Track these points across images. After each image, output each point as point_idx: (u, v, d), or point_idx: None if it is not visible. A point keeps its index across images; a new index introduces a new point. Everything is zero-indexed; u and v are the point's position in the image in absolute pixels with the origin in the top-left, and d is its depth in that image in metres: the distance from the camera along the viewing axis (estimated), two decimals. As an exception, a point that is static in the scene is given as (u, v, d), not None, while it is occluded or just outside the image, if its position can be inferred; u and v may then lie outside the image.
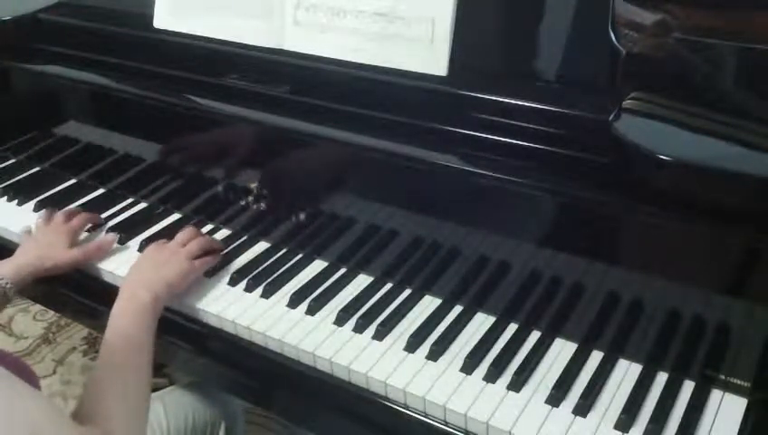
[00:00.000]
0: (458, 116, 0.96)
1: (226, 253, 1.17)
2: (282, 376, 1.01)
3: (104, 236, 1.21)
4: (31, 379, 0.92)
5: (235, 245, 1.20)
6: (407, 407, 0.92)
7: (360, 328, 1.01)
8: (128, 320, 0.97)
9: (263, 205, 1.17)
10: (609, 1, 0.90)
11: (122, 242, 1.22)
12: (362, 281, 1.11)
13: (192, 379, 1.26)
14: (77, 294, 1.19)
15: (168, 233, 1.21)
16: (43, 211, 1.27)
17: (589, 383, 0.91)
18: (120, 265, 1.15)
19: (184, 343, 1.09)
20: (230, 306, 1.06)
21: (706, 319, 0.87)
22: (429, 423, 0.91)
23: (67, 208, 1.27)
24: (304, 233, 1.15)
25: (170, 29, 1.19)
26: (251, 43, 1.12)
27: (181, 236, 1.13)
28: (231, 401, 1.25)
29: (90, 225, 1.26)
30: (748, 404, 0.88)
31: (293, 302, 1.06)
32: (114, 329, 0.96)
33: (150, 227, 1.25)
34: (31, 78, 1.36)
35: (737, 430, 0.85)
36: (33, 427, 0.69)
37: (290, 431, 1.60)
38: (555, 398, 0.90)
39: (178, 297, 1.07)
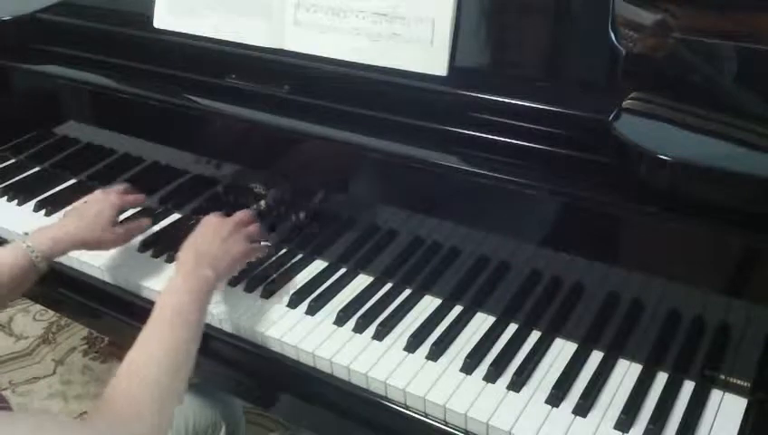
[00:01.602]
0: (458, 116, 0.96)
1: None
2: (281, 376, 1.01)
3: (143, 219, 1.20)
4: None
5: (235, 245, 1.19)
6: (407, 407, 0.92)
7: (359, 328, 1.01)
8: (184, 295, 0.92)
9: (262, 205, 1.17)
10: (609, 1, 0.90)
11: (122, 242, 1.21)
12: (362, 281, 1.11)
13: (193, 380, 1.26)
14: (77, 294, 1.19)
15: (168, 233, 1.21)
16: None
17: (589, 383, 0.91)
18: (120, 266, 1.15)
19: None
20: (230, 307, 1.06)
21: (706, 319, 0.87)
22: (429, 423, 0.91)
23: (120, 186, 1.23)
24: (304, 233, 1.15)
25: (170, 29, 1.19)
26: (251, 43, 1.12)
27: (241, 215, 1.09)
28: (232, 402, 1.24)
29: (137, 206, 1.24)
30: (748, 404, 0.88)
31: (293, 302, 1.06)
32: (166, 301, 0.92)
33: (150, 226, 1.25)
34: (31, 78, 1.36)
35: (737, 430, 0.85)
36: None
37: (290, 431, 1.60)
38: (555, 398, 0.90)
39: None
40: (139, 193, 1.24)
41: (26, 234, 1.07)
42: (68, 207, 1.19)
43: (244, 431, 1.29)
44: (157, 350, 0.86)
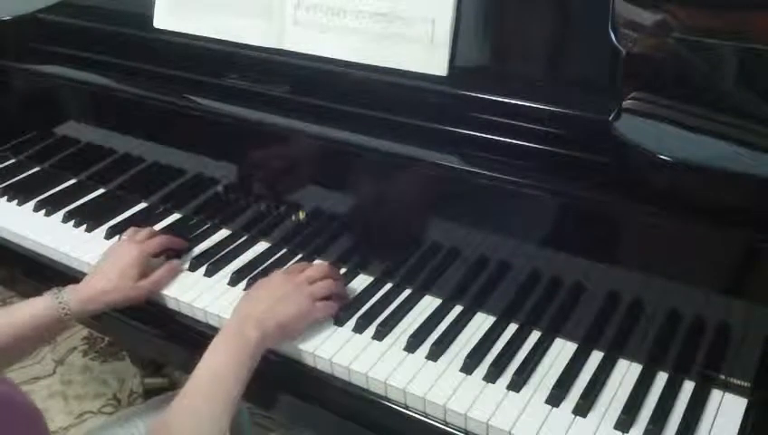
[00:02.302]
0: (458, 116, 0.96)
1: (227, 252, 1.17)
2: (281, 376, 1.01)
3: (171, 263, 1.13)
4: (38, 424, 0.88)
5: (234, 245, 1.20)
6: (407, 407, 0.92)
7: (359, 328, 1.01)
8: (222, 358, 0.90)
9: (262, 206, 1.17)
10: (609, 1, 0.90)
11: (122, 242, 1.21)
12: (362, 281, 1.11)
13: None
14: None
15: (167, 232, 1.21)
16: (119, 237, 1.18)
17: (589, 383, 0.91)
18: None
19: (181, 345, 1.09)
20: (228, 308, 1.06)
21: (706, 319, 0.87)
22: (429, 423, 0.91)
23: (145, 230, 1.17)
24: (303, 233, 1.15)
25: (170, 29, 1.19)
26: (251, 43, 1.12)
27: (312, 271, 1.03)
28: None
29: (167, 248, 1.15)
30: (748, 404, 0.88)
31: (293, 302, 1.06)
32: (207, 364, 0.90)
33: (150, 226, 1.25)
34: (31, 78, 1.36)
35: (737, 430, 0.85)
36: None
37: (290, 432, 1.60)
38: (555, 398, 0.90)
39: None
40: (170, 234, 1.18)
41: (59, 289, 1.04)
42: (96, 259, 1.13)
43: (250, 433, 1.29)
44: (189, 418, 0.86)
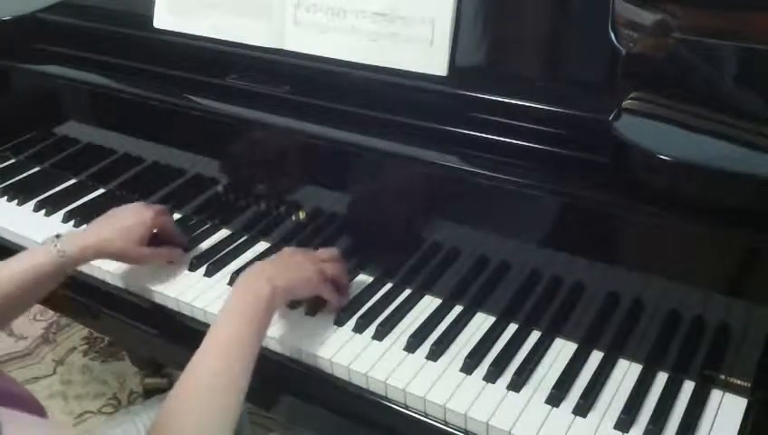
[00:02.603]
0: (458, 116, 0.96)
1: (227, 252, 1.17)
2: (282, 376, 1.01)
3: (177, 248, 1.16)
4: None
5: (234, 245, 1.20)
6: (407, 407, 0.92)
7: (360, 328, 1.01)
8: (237, 318, 0.89)
9: (262, 205, 1.17)
10: (609, 1, 0.90)
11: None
12: (362, 281, 1.11)
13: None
14: (77, 293, 1.19)
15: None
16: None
17: (589, 383, 0.91)
18: (120, 266, 1.15)
19: (181, 345, 1.09)
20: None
21: (706, 319, 0.87)
22: (429, 423, 0.91)
23: (160, 206, 1.17)
24: (303, 233, 1.15)
25: (170, 29, 1.19)
26: (251, 43, 1.12)
27: (324, 251, 1.05)
28: None
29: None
30: (748, 404, 0.88)
31: (293, 303, 1.06)
32: (219, 327, 0.88)
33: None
34: (31, 78, 1.36)
35: (737, 430, 0.85)
36: None
37: (290, 432, 1.60)
38: (555, 398, 0.90)
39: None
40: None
41: (58, 236, 1.05)
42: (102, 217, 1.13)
43: (249, 433, 1.29)
44: (204, 387, 0.84)
